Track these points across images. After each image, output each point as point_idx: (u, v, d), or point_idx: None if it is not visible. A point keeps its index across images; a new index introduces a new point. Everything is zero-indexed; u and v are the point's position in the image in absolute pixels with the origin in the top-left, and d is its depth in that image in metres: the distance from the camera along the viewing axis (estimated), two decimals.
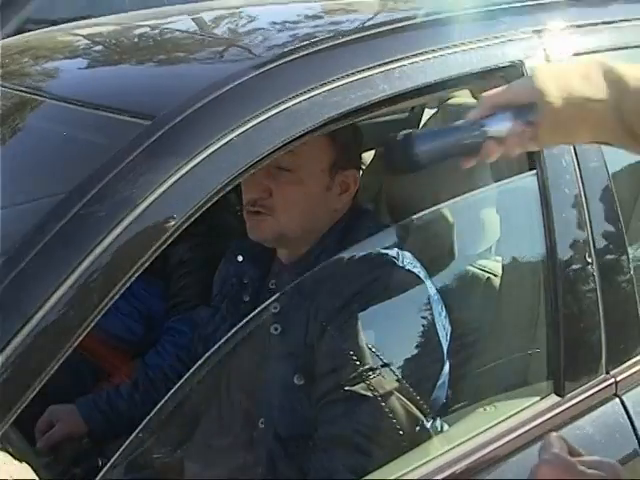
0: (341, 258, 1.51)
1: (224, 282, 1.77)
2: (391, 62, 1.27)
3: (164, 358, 2.06)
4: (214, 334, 1.76)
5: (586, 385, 1.37)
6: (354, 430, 1.37)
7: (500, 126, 1.08)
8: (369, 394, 1.40)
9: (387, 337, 1.39)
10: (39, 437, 1.86)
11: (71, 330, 1.02)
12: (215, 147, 1.10)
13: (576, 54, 1.48)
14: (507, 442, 1.28)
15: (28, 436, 1.86)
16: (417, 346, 1.44)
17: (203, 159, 1.09)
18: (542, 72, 1.09)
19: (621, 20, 1.51)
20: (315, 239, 1.58)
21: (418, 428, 1.43)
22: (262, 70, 1.21)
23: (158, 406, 1.21)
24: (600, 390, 1.38)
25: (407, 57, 1.29)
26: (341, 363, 1.44)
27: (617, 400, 1.38)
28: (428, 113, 3.03)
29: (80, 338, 1.03)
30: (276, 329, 1.55)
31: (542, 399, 1.35)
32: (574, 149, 1.39)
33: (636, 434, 1.35)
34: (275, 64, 1.22)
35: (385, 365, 1.41)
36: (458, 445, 1.27)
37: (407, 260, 1.50)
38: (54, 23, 1.82)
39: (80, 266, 1.01)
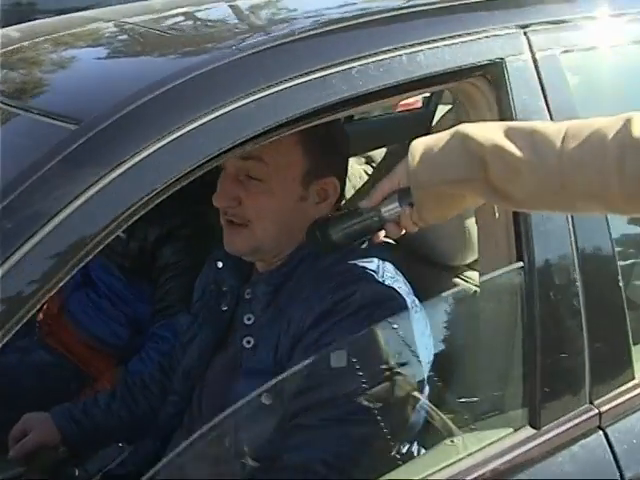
0: (317, 270, 1.42)
1: (204, 289, 1.69)
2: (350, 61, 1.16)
3: (146, 365, 2.00)
4: (191, 342, 1.69)
5: (565, 416, 1.24)
6: (320, 459, 1.28)
7: (391, 210, 1.21)
8: (339, 419, 1.31)
9: (361, 358, 1.29)
10: (12, 445, 1.81)
11: None
12: (142, 155, 1.01)
13: (565, 51, 1.35)
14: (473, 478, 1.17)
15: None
16: (394, 368, 1.33)
17: (129, 168, 1.00)
18: (414, 154, 1.12)
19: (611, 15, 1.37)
20: (292, 248, 1.48)
21: (392, 453, 1.34)
22: (206, 69, 1.11)
23: None
24: (582, 422, 1.25)
25: (369, 55, 1.18)
26: (309, 385, 1.35)
27: (601, 433, 1.26)
28: (442, 110, 2.93)
29: None
30: (248, 342, 1.48)
31: (515, 431, 1.23)
32: None
33: (620, 472, 1.22)
34: (219, 64, 1.12)
35: (358, 388, 1.32)
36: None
37: (388, 274, 1.40)
38: (60, 13, 1.75)
39: None
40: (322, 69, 1.15)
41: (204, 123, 1.06)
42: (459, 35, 1.28)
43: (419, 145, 1.13)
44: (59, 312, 2.18)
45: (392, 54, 1.21)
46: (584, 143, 1.01)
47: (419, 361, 1.35)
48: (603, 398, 1.28)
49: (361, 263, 1.40)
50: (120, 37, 1.39)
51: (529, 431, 1.22)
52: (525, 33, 1.34)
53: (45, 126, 1.09)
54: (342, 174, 1.50)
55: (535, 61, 1.32)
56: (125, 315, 2.13)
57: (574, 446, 1.24)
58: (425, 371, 1.37)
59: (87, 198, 0.98)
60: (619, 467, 1.23)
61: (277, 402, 1.39)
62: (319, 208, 1.46)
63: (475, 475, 1.17)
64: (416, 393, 1.34)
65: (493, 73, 1.30)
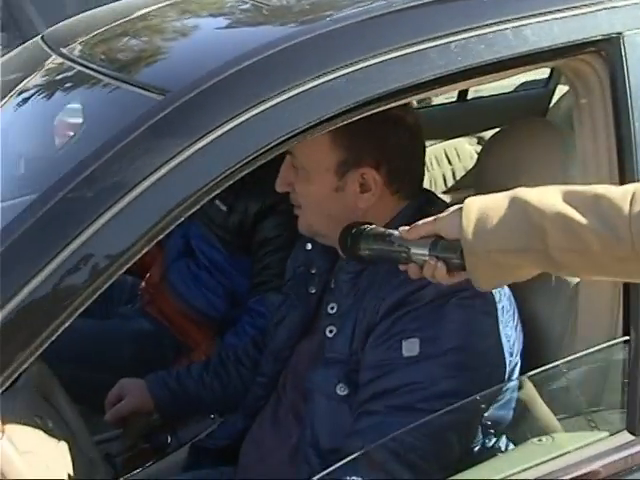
0: None
1: (294, 269, 1.69)
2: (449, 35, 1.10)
3: (241, 339, 2.01)
4: (280, 324, 1.68)
5: None
6: (382, 446, 1.25)
7: (419, 255, 1.14)
8: (406, 407, 1.29)
9: (434, 347, 1.24)
10: (108, 408, 1.86)
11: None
12: (225, 128, 0.99)
13: None
14: None
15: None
16: (470, 358, 1.28)
17: (211, 141, 0.98)
18: (469, 217, 1.06)
19: None
20: None
21: (473, 447, 1.30)
22: (296, 41, 1.08)
23: None
24: None
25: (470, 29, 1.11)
26: (380, 373, 1.34)
27: None
28: (561, 90, 2.80)
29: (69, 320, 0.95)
30: (331, 331, 1.48)
31: (611, 435, 1.15)
32: None
33: None
34: (310, 35, 1.08)
35: (431, 377, 1.28)
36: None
37: None
38: None
39: (59, 255, 0.92)
40: (419, 43, 1.10)
41: (292, 96, 1.03)
42: (571, 7, 1.19)
43: (474, 207, 1.06)
44: (160, 281, 2.21)
45: (495, 28, 1.14)
46: None
47: (500, 353, 1.31)
48: None
49: None
50: (215, 9, 1.38)
51: (626, 437, 1.14)
52: None
53: (134, 96, 1.08)
54: (386, 163, 1.43)
55: None
56: (223, 287, 2.14)
57: None
58: (508, 363, 1.32)
59: (168, 170, 0.97)
60: None
61: (352, 392, 1.38)
62: (363, 198, 1.42)
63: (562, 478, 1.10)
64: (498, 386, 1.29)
65: (608, 50, 1.20)
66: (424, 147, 1.55)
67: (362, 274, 1.44)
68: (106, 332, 2.13)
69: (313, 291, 1.57)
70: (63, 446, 1.44)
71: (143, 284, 2.28)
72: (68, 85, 1.27)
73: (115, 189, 0.95)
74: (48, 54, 1.40)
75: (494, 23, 1.13)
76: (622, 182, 1.17)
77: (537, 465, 1.12)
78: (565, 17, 1.18)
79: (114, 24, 1.36)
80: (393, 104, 1.11)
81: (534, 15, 1.17)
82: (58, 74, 1.32)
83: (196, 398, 1.86)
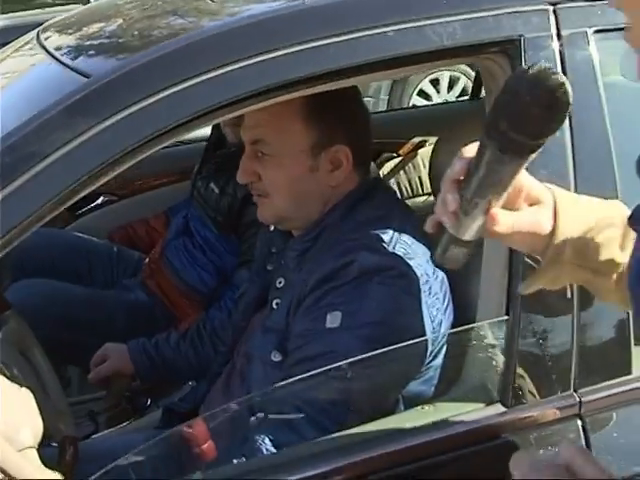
0: (334, 237, 1.48)
1: (260, 248, 1.80)
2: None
3: (221, 312, 2.14)
4: (240, 298, 1.82)
5: (540, 399, 1.24)
6: (294, 406, 1.36)
7: None
8: (322, 373, 1.39)
9: (354, 321, 1.35)
10: (92, 369, 2.02)
11: None
12: (127, 112, 1.12)
13: (597, 31, 1.31)
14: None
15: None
16: (389, 335, 1.38)
17: (118, 120, 1.12)
18: (564, 215, 1.00)
19: None
20: (318, 216, 1.56)
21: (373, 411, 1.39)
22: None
23: None
24: (558, 407, 1.24)
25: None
26: (303, 343, 1.44)
27: (578, 421, 1.24)
28: None
29: None
30: (277, 304, 1.58)
31: (487, 406, 1.24)
32: None
33: None
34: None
35: (347, 348, 1.38)
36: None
37: (401, 244, 1.44)
38: None
39: None
40: (325, 37, 1.21)
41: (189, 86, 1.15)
42: (477, 10, 1.28)
43: (568, 201, 1.04)
44: (159, 257, 2.38)
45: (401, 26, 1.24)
46: None
47: (421, 332, 1.39)
48: (589, 388, 1.26)
49: (375, 232, 1.44)
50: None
51: (499, 408, 1.23)
52: (555, 11, 1.31)
53: (68, 78, 1.23)
54: (354, 141, 1.52)
55: (560, 39, 1.30)
56: (213, 264, 2.29)
57: (545, 429, 1.23)
58: (430, 342, 1.39)
59: (77, 145, 1.11)
60: None
61: (284, 359, 1.49)
62: (334, 176, 1.51)
63: (432, 439, 1.20)
64: (417, 360, 1.38)
65: (511, 50, 1.29)
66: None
67: (307, 253, 1.55)
68: (103, 300, 2.30)
69: (270, 268, 1.69)
70: (25, 392, 1.58)
71: (147, 259, 2.45)
72: (28, 64, 1.44)
73: (29, 158, 1.11)
74: (32, 39, 1.57)
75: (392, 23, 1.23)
76: None
77: (415, 429, 1.22)
78: (469, 19, 1.27)
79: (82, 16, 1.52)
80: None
81: (439, 16, 1.26)
82: (26, 55, 1.49)
83: (172, 364, 2.01)
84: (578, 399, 1.25)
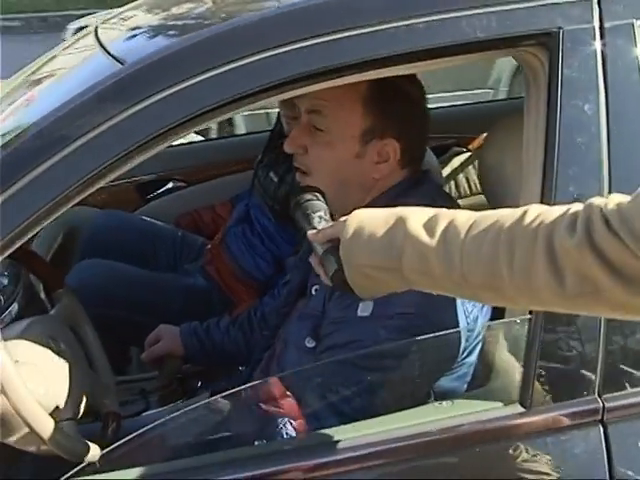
0: None
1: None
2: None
3: (274, 300, 2.16)
4: (285, 285, 1.84)
5: (561, 403, 1.20)
6: (319, 394, 1.38)
7: (317, 249, 1.19)
8: (349, 362, 1.39)
9: (384, 311, 1.34)
10: (146, 349, 2.08)
11: None
12: (152, 100, 1.15)
13: None
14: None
15: None
16: (420, 327, 1.37)
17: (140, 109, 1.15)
18: (348, 228, 1.11)
19: None
20: (356, 205, 1.56)
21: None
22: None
23: None
24: (580, 412, 1.20)
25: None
26: (334, 330, 1.46)
27: (600, 427, 1.20)
28: None
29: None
30: (315, 290, 1.60)
31: (505, 405, 1.22)
32: None
33: (611, 470, 1.16)
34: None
35: (376, 338, 1.38)
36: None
37: None
38: None
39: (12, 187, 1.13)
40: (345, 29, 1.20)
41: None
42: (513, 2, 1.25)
43: (355, 220, 1.12)
44: (220, 243, 2.42)
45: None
46: (484, 233, 1.00)
47: (455, 326, 1.38)
48: (615, 394, 1.22)
49: None
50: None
51: (517, 408, 1.20)
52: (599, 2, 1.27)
53: (109, 64, 1.27)
54: (406, 138, 1.52)
55: (602, 31, 1.25)
56: (271, 253, 2.32)
57: (564, 433, 1.19)
58: (464, 337, 1.38)
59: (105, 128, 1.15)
60: (610, 465, 1.17)
61: (317, 345, 1.51)
62: (378, 168, 1.52)
63: (448, 435, 1.19)
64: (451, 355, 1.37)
65: (549, 43, 1.25)
66: (429, 128, 1.64)
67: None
68: (162, 283, 2.36)
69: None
70: (70, 366, 1.65)
71: (209, 245, 2.50)
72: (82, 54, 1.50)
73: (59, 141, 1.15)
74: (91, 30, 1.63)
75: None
76: (544, 172, 1.23)
77: (427, 422, 1.21)
78: (505, 10, 1.25)
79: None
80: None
81: (473, 7, 1.24)
82: (81, 47, 1.55)
83: (221, 349, 2.04)
84: (601, 404, 1.21)
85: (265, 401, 1.33)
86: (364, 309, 1.42)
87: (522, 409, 1.20)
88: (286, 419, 1.41)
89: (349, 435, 1.21)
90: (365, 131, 1.49)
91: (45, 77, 1.54)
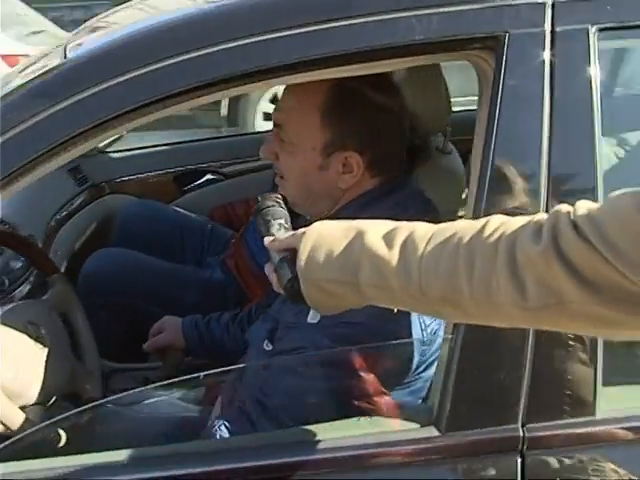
0: None
1: None
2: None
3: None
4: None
5: (477, 430, 1.14)
6: (254, 397, 1.38)
7: (273, 259, 1.18)
8: (290, 368, 1.40)
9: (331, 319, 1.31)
10: (149, 339, 2.11)
11: None
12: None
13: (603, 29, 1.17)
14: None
15: None
16: (365, 336, 1.34)
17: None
18: (306, 241, 1.08)
19: None
20: (328, 211, 1.55)
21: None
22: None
23: None
24: (497, 439, 1.14)
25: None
26: (284, 335, 1.47)
27: (518, 459, 1.13)
28: None
29: None
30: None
31: (422, 427, 1.17)
32: None
33: None
34: None
35: (321, 346, 1.37)
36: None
37: None
38: None
39: None
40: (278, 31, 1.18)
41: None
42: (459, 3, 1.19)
43: (314, 232, 1.08)
44: (240, 237, 2.43)
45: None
46: (443, 246, 0.96)
47: (405, 337, 1.35)
48: (541, 424, 1.14)
49: None
50: None
51: (431, 431, 1.15)
52: (553, 5, 1.19)
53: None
54: (371, 148, 1.48)
55: (553, 37, 1.17)
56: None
57: (479, 461, 1.13)
58: (418, 350, 1.35)
59: None
60: None
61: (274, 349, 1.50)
62: (344, 179, 1.50)
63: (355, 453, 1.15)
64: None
65: (496, 46, 1.18)
66: (406, 133, 1.60)
67: None
68: (178, 275, 2.39)
69: None
70: (46, 352, 1.69)
71: (233, 239, 2.51)
72: None
73: None
74: None
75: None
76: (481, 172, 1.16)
77: (339, 438, 1.17)
78: (450, 12, 1.18)
79: None
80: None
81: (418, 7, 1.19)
82: None
83: (220, 344, 2.05)
84: (522, 434, 1.14)
85: (358, 398, 1.32)
86: (314, 316, 1.39)
87: (437, 432, 1.15)
88: (222, 421, 1.41)
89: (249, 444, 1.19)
90: (325, 144, 1.48)
91: None
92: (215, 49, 1.17)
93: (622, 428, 1.16)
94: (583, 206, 0.89)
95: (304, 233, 1.10)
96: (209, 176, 2.83)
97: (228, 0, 1.29)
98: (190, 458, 1.20)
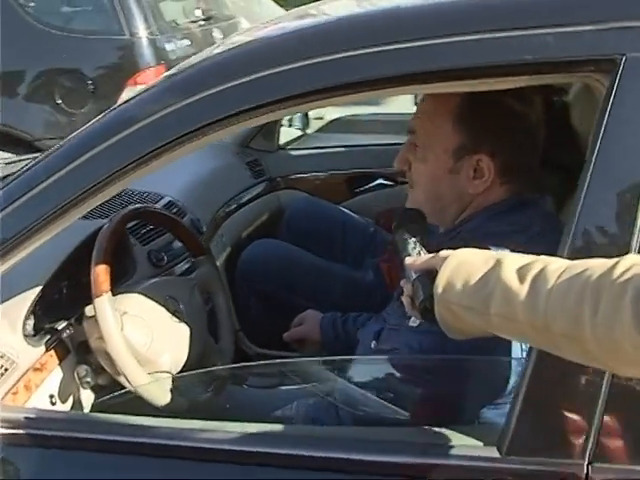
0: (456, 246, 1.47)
1: None
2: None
3: None
4: None
5: (541, 458, 1.11)
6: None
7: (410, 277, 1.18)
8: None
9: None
10: (290, 330, 2.21)
11: None
12: None
13: None
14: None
15: None
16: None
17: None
18: (447, 266, 1.09)
19: None
20: (454, 220, 1.56)
21: None
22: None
23: None
24: (559, 472, 1.10)
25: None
26: (387, 335, 1.56)
27: None
28: None
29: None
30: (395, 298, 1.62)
31: (485, 446, 1.16)
32: None
33: None
34: None
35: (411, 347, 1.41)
36: None
37: None
38: None
39: None
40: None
41: None
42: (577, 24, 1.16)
43: (455, 259, 1.10)
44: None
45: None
46: (572, 281, 0.95)
47: (504, 353, 1.33)
48: (607, 465, 1.09)
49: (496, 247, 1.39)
50: None
51: (492, 451, 1.14)
52: None
53: None
54: (500, 154, 1.47)
55: None
56: None
57: None
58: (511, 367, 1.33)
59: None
60: None
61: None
62: (474, 184, 1.51)
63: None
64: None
65: (612, 69, 1.14)
66: (540, 145, 1.58)
67: None
68: (330, 272, 2.46)
69: None
70: (181, 326, 1.83)
71: (390, 244, 2.55)
72: None
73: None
74: None
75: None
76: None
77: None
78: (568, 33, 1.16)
79: None
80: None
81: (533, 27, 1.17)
82: None
83: (353, 343, 2.10)
84: (586, 471, 1.10)
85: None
86: (415, 320, 1.43)
87: (497, 454, 1.13)
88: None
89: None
90: (457, 147, 1.50)
91: None
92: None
93: None
94: None
95: (446, 257, 1.12)
96: (381, 180, 2.88)
97: None
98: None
